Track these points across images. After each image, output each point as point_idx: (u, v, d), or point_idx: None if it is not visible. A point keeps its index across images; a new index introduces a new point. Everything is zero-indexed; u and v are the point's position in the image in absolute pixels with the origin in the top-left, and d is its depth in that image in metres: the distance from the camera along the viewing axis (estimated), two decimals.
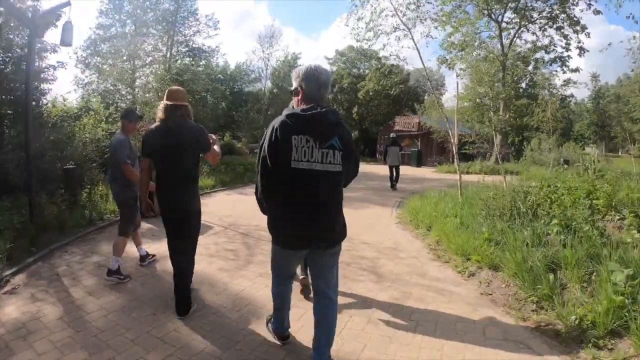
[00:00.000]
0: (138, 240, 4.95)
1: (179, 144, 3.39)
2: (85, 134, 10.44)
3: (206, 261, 5.06)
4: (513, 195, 5.81)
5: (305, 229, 2.50)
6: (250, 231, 6.66)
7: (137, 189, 4.24)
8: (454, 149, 7.65)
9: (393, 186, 13.13)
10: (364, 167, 23.57)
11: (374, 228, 7.02)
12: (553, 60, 22.80)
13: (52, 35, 16.77)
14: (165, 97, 3.55)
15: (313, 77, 2.51)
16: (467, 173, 20.29)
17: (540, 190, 6.05)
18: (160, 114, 3.50)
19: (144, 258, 4.93)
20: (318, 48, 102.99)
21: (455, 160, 7.63)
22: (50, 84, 9.98)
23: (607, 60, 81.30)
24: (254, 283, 4.37)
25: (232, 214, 8.16)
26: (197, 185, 3.71)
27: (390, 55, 8.43)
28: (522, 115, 23.15)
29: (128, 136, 4.49)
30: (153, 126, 3.52)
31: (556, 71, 23.77)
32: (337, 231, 2.61)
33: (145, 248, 5.04)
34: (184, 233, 3.55)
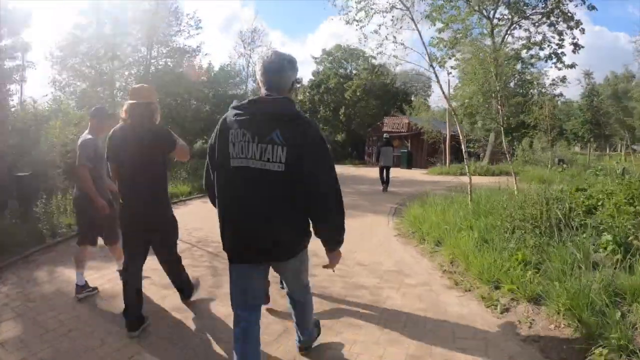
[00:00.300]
0: (81, 262, 3.97)
1: (140, 146, 3.06)
2: (53, 138, 9.54)
3: (158, 294, 3.91)
4: (542, 202, 4.75)
5: (240, 239, 2.22)
6: (221, 250, 5.51)
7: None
8: (462, 147, 6.59)
9: (384, 188, 12.55)
10: (352, 171, 22.77)
11: (370, 242, 5.90)
12: (548, 57, 22.10)
13: (25, 35, 15.85)
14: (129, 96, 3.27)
15: (260, 63, 2.22)
16: (461, 174, 19.43)
17: (572, 195, 5.01)
18: (122, 114, 3.21)
19: (82, 288, 3.89)
20: (305, 50, 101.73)
21: (464, 160, 6.54)
22: (19, 84, 9.39)
23: (591, 60, 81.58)
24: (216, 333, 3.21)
25: (204, 226, 6.98)
26: (167, 191, 3.39)
27: (387, 37, 7.21)
28: (515, 114, 22.38)
29: (97, 137, 3.96)
30: (115, 128, 3.23)
31: (550, 67, 23.13)
32: (282, 244, 2.22)
33: (85, 277, 3.99)
34: (162, 245, 3.35)
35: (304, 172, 2.07)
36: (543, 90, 22.59)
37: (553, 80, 22.72)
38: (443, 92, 6.88)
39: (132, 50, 23.74)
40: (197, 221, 7.40)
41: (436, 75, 6.62)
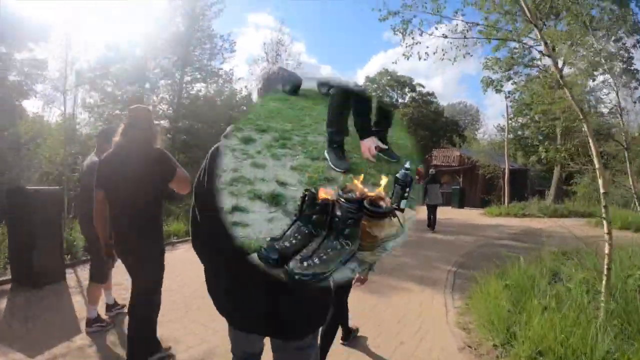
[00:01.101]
0: (107, 284, 4.03)
1: (128, 173, 2.73)
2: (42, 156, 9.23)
3: None
4: None
5: (237, 306, 1.60)
6: None
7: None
8: (600, 184, 3.45)
9: (430, 226, 11.40)
10: None
11: None
12: (624, 72, 19.04)
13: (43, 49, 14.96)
14: None
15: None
16: (523, 216, 16.53)
17: None
18: (116, 136, 2.94)
19: (111, 307, 4.05)
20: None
21: (602, 207, 3.46)
22: (28, 99, 8.88)
23: None
24: None
25: (177, 290, 4.52)
26: (155, 225, 2.94)
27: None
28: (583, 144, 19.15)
29: None
30: (108, 152, 2.98)
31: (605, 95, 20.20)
32: (286, 316, 1.53)
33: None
34: (137, 276, 2.96)
35: None
36: (600, 120, 19.62)
37: (613, 107, 19.52)
38: (559, 73, 3.93)
39: (165, 75, 22.88)
40: (171, 282, 4.95)
41: (545, 43, 3.81)
